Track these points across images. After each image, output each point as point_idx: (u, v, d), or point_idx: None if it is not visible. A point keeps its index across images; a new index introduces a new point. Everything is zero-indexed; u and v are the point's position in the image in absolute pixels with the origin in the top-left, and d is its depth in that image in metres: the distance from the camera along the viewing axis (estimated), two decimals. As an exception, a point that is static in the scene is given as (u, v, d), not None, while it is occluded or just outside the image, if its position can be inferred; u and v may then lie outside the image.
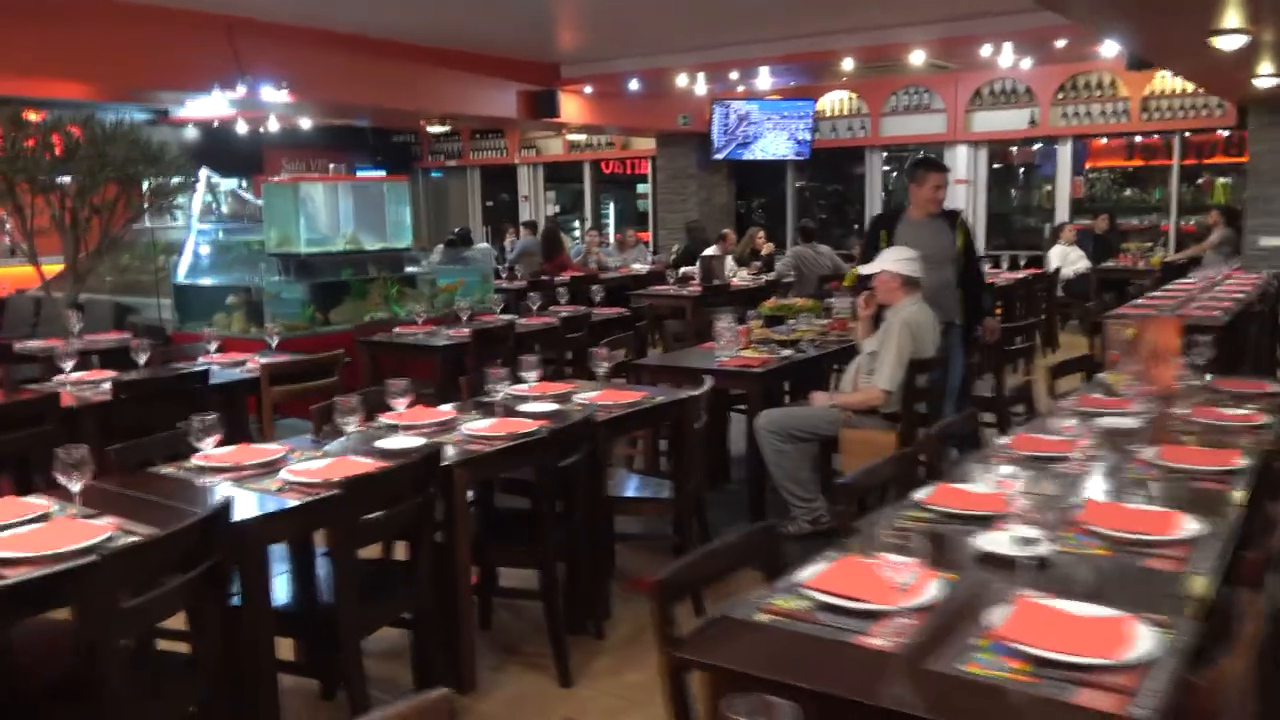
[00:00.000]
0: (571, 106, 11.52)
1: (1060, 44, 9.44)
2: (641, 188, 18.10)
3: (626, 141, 15.86)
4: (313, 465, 2.98)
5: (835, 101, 13.97)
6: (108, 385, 4.49)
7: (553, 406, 3.83)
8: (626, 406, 3.89)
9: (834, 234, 13.59)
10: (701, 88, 11.34)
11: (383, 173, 15.89)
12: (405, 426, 3.45)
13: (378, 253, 7.87)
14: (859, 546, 2.28)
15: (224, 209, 9.56)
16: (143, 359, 4.81)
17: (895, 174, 14.16)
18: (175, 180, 6.95)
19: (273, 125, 14.89)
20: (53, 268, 9.81)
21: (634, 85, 11.09)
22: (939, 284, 5.05)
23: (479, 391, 4.12)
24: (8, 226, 13.18)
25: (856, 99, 13.80)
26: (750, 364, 4.89)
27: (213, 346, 5.25)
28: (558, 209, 17.47)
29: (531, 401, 3.90)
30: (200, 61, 8.11)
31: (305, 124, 15.10)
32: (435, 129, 11.08)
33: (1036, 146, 13.35)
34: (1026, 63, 10.94)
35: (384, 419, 3.54)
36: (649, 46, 10.79)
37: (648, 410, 3.96)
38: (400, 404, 3.52)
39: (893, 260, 4.70)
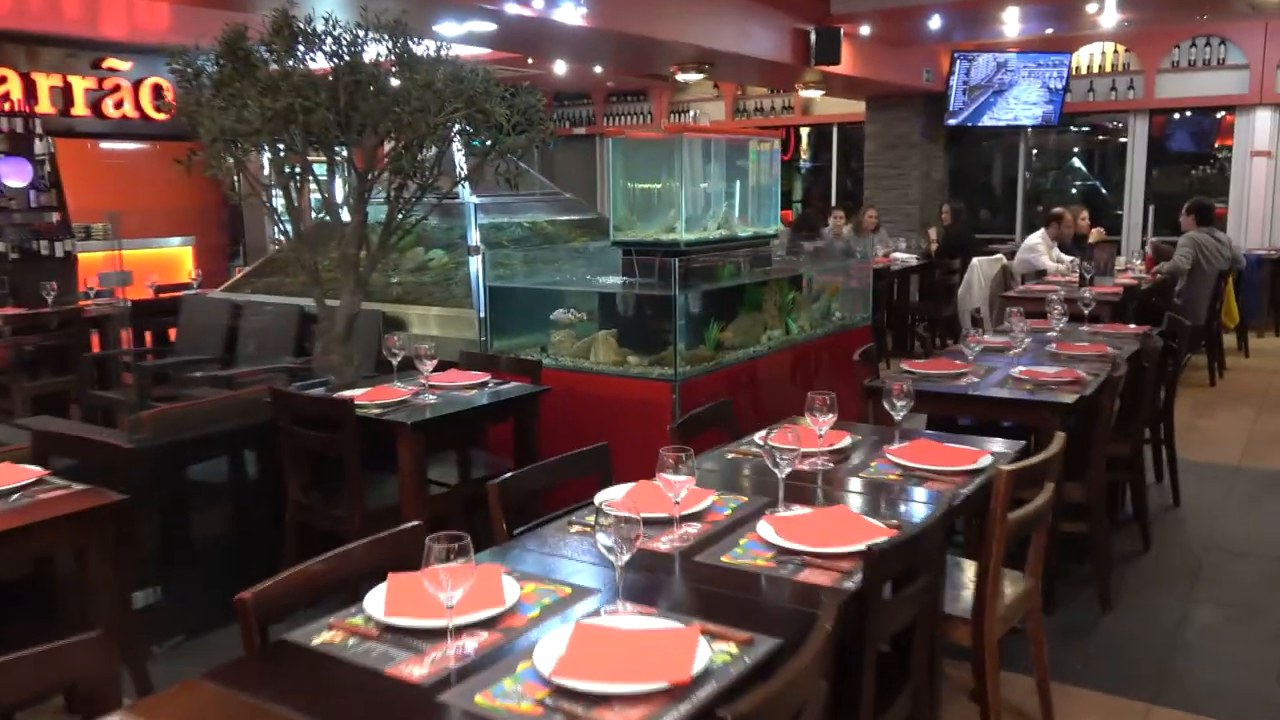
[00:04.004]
0: (836, 53, 9.05)
1: None
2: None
3: (807, 104, 13.41)
4: None
5: (1094, 55, 11.58)
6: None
7: None
8: None
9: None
10: (1030, 26, 8.84)
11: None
12: None
13: (749, 241, 5.41)
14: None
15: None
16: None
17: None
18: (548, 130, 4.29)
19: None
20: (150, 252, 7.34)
21: (935, 24, 8.64)
22: None
23: None
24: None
25: (1124, 53, 11.40)
26: None
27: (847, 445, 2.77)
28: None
29: None
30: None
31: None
32: (688, 76, 8.52)
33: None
34: None
35: None
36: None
37: None
38: None
39: None
